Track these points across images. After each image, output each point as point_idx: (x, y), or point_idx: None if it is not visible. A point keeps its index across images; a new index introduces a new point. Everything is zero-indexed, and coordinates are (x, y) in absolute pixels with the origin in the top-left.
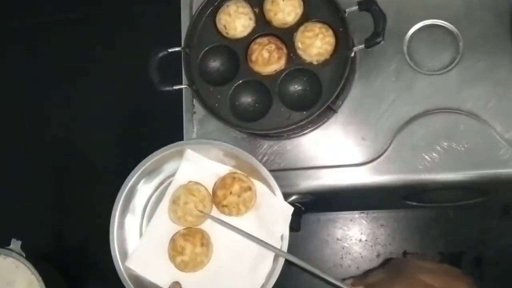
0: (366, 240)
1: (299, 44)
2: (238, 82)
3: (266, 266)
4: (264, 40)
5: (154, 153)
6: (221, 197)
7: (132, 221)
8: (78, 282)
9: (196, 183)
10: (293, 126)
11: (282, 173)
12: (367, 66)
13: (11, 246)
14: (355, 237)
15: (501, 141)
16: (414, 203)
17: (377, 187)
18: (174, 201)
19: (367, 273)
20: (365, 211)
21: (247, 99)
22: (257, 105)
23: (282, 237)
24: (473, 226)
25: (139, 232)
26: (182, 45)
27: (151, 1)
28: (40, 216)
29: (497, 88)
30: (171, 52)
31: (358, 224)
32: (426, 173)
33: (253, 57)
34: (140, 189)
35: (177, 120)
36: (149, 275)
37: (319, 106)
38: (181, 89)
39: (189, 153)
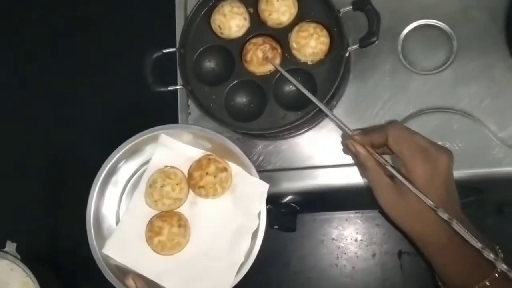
0: (361, 240)
1: (293, 44)
2: (233, 82)
3: (245, 244)
4: (259, 40)
5: (130, 139)
6: (197, 178)
7: (109, 205)
8: (73, 284)
9: (172, 167)
10: (288, 126)
11: (277, 173)
12: (361, 65)
13: (6, 249)
14: (350, 237)
15: (495, 140)
16: None
17: None
18: (151, 185)
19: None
20: (361, 211)
21: (242, 99)
22: (252, 105)
23: (259, 214)
24: None
25: (116, 217)
26: (177, 45)
27: (145, 2)
28: (35, 218)
29: (491, 88)
30: (166, 52)
31: (354, 224)
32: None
33: (248, 57)
34: (120, 171)
35: (172, 120)
36: (126, 261)
37: (314, 106)
38: (176, 90)
39: (164, 137)
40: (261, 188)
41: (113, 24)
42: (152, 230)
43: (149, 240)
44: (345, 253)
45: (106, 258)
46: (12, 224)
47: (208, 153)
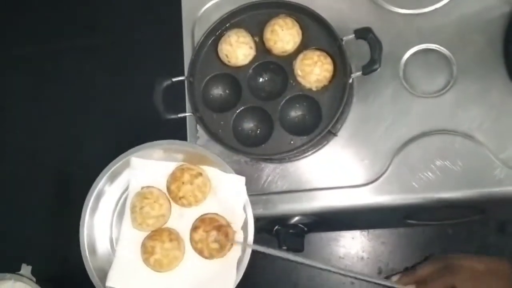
0: (368, 258)
1: (298, 72)
2: (240, 109)
3: (239, 239)
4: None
5: (107, 166)
6: (175, 190)
7: (101, 233)
8: None
9: (148, 186)
10: (295, 151)
11: (285, 195)
12: (364, 90)
13: (21, 271)
14: (357, 255)
15: (496, 161)
16: (414, 222)
17: (378, 208)
18: (132, 209)
19: (411, 269)
20: (366, 229)
21: (249, 125)
22: (259, 130)
23: (244, 207)
24: (471, 242)
25: (110, 243)
26: (186, 74)
27: (155, 31)
28: (47, 241)
29: (491, 110)
30: (175, 81)
31: (360, 242)
32: (423, 193)
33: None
34: (107, 192)
35: None
36: (131, 287)
37: (319, 131)
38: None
39: (134, 160)
40: (239, 182)
41: (124, 51)
42: (146, 252)
43: (146, 261)
44: (352, 271)
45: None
46: (28, 248)
47: (181, 163)
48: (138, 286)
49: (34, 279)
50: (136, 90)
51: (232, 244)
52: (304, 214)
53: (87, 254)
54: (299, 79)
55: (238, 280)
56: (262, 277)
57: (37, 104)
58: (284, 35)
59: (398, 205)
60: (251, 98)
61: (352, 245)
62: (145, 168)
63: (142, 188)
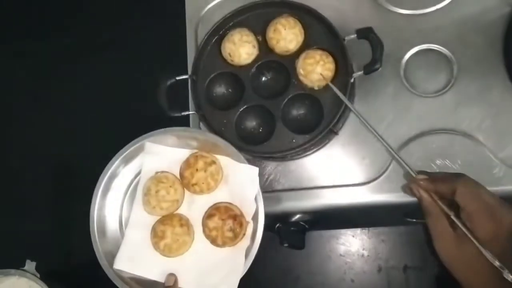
0: (368, 255)
1: (300, 71)
2: (243, 107)
3: (249, 229)
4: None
5: (120, 151)
6: (188, 176)
7: (112, 214)
8: None
9: (163, 171)
10: (297, 149)
11: (286, 193)
12: (365, 89)
13: (25, 267)
14: (357, 253)
15: (495, 160)
16: (414, 220)
17: (378, 206)
18: (146, 193)
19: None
20: (367, 227)
21: (251, 123)
22: (261, 129)
23: (256, 198)
24: None
25: (119, 226)
26: (189, 72)
27: (159, 30)
28: (53, 237)
29: (491, 109)
30: (179, 79)
31: (360, 240)
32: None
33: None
34: (120, 175)
35: None
36: (139, 272)
37: (321, 129)
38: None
39: (149, 145)
40: (252, 172)
41: (126, 50)
42: (156, 236)
43: (155, 245)
44: (352, 269)
45: (119, 272)
46: (30, 243)
47: (195, 151)
48: (146, 270)
49: (38, 275)
50: (140, 88)
51: (244, 234)
52: (305, 212)
53: (96, 237)
54: (301, 78)
55: (246, 269)
56: (264, 274)
57: (38, 99)
58: (286, 34)
59: (398, 203)
60: (253, 96)
61: (353, 243)
62: (159, 154)
63: (157, 172)
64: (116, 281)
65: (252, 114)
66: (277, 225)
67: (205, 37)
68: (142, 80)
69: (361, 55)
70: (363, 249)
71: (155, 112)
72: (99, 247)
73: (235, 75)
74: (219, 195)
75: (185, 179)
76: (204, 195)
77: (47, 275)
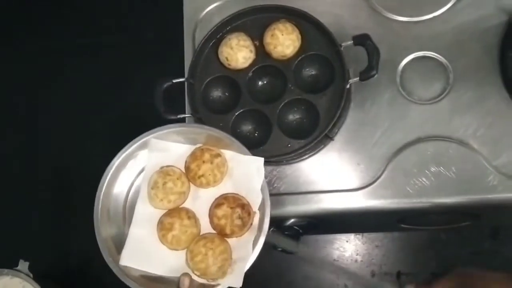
0: (361, 261)
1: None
2: (240, 111)
3: (255, 219)
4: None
5: (124, 148)
6: (195, 169)
7: (115, 203)
8: None
9: (168, 166)
10: (292, 154)
11: (281, 197)
12: (362, 95)
13: (19, 267)
14: (351, 258)
15: (489, 168)
16: (408, 226)
17: (372, 211)
18: (153, 186)
19: (429, 282)
20: (361, 233)
21: (247, 127)
22: (257, 133)
23: (262, 189)
24: (464, 248)
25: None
26: (186, 75)
27: (156, 33)
28: (48, 237)
29: (486, 118)
30: (176, 82)
31: (354, 245)
32: (417, 198)
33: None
34: (122, 173)
35: None
36: (146, 267)
37: (316, 135)
38: (185, 117)
39: (154, 141)
40: (257, 163)
41: (124, 52)
42: (164, 228)
43: (163, 238)
44: (346, 274)
45: (125, 269)
46: (26, 243)
47: (199, 145)
48: (153, 264)
49: (31, 275)
50: (137, 90)
51: (251, 224)
52: (300, 216)
53: (101, 231)
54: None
55: (253, 260)
56: (257, 278)
57: (36, 101)
58: (284, 40)
59: (392, 209)
60: (250, 100)
61: (347, 248)
62: (164, 149)
63: (162, 167)
64: (122, 277)
65: (248, 118)
66: (271, 229)
67: (203, 41)
68: (139, 82)
69: (357, 62)
70: (357, 254)
71: (152, 114)
72: (103, 243)
73: (232, 79)
74: (224, 188)
75: (192, 172)
76: (209, 189)
77: (40, 276)
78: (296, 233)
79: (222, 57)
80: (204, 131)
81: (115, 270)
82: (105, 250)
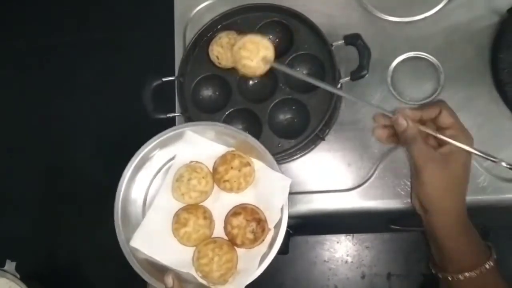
0: (352, 262)
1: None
2: (230, 110)
3: (269, 235)
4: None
5: (158, 134)
6: (222, 172)
7: (138, 192)
8: None
9: (198, 162)
10: (283, 154)
11: None
12: (353, 95)
13: (5, 267)
14: (341, 259)
15: (480, 169)
16: (398, 227)
17: (362, 212)
18: (178, 179)
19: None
20: (351, 234)
21: (238, 126)
22: (247, 132)
23: (282, 208)
24: None
25: (142, 208)
26: (176, 74)
27: (146, 31)
28: (35, 238)
29: (477, 118)
30: (165, 81)
31: (345, 246)
32: (407, 198)
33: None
34: (151, 162)
35: None
36: (154, 253)
37: (307, 134)
38: (174, 116)
39: (189, 134)
40: (284, 182)
41: (114, 50)
42: (178, 222)
43: (175, 231)
44: (336, 275)
45: (134, 251)
46: (13, 243)
47: (232, 149)
48: (160, 253)
49: (18, 276)
50: (125, 89)
51: (263, 240)
52: (290, 217)
53: (119, 212)
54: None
55: (258, 274)
56: None
57: (25, 100)
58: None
59: (382, 210)
60: (240, 100)
61: (337, 249)
62: (197, 144)
63: (191, 161)
64: (129, 258)
65: (238, 118)
66: None
67: (193, 39)
68: (129, 81)
69: (348, 62)
70: (347, 255)
71: (142, 113)
72: (119, 222)
73: (222, 78)
74: (246, 198)
75: (218, 174)
76: (231, 194)
77: (27, 276)
78: (287, 233)
79: (212, 56)
80: (241, 136)
81: (124, 250)
82: (118, 226)
